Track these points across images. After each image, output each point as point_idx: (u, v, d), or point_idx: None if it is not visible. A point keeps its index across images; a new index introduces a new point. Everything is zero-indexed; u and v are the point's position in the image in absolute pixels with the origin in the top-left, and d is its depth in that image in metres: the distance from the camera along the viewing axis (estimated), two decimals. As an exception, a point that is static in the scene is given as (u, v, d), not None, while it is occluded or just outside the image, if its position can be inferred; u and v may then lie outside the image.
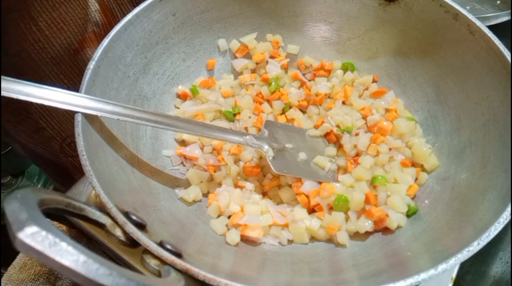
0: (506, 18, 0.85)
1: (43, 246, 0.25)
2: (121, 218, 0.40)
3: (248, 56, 0.74)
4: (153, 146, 0.62)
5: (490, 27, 0.55)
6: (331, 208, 0.58)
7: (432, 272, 0.38)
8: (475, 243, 0.40)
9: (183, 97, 0.69)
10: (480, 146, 0.54)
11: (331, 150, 0.66)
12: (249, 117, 0.69)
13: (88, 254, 0.25)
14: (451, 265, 0.39)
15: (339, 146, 0.66)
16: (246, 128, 0.68)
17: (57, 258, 0.25)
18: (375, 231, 0.56)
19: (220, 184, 0.62)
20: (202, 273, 0.37)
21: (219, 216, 0.58)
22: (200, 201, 0.60)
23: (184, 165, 0.64)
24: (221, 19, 0.70)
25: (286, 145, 0.64)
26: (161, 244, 0.40)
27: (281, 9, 0.72)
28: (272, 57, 0.74)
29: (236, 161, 0.65)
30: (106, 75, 0.55)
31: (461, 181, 0.54)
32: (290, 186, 0.61)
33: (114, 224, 0.41)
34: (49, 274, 0.47)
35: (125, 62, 0.59)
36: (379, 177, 0.57)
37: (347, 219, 0.56)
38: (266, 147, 0.61)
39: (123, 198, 0.46)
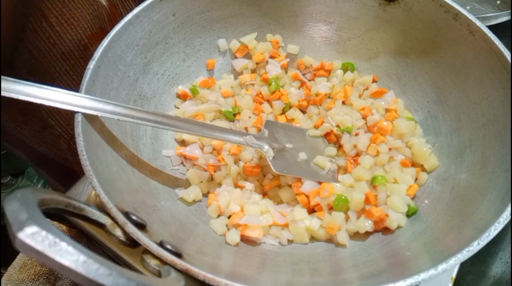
0: (506, 18, 0.85)
1: (43, 246, 0.25)
2: (121, 218, 0.40)
3: (248, 56, 0.74)
4: (153, 146, 0.62)
5: (490, 27, 0.55)
6: (331, 208, 0.58)
7: (432, 272, 0.38)
8: (475, 243, 0.40)
9: (183, 97, 0.69)
10: (480, 146, 0.54)
11: (331, 150, 0.66)
12: (249, 117, 0.69)
13: (88, 254, 0.25)
14: (451, 265, 0.39)
15: (339, 146, 0.66)
16: (246, 128, 0.68)
17: (57, 258, 0.25)
18: (375, 231, 0.56)
19: (220, 184, 0.62)
20: (202, 273, 0.37)
21: (219, 216, 0.58)
22: (200, 201, 0.60)
23: (184, 165, 0.64)
24: (221, 19, 0.70)
25: (286, 145, 0.64)
26: (161, 244, 0.40)
27: (281, 9, 0.72)
28: (272, 57, 0.74)
29: (236, 161, 0.65)
30: (106, 75, 0.55)
31: (461, 181, 0.54)
32: (290, 186, 0.61)
33: (114, 224, 0.41)
34: (49, 274, 0.47)
35: (125, 62, 0.59)
36: (379, 177, 0.57)
37: (347, 219, 0.56)
38: (266, 147, 0.61)
39: (123, 198, 0.46)
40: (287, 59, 0.74)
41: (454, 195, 0.53)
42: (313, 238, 0.57)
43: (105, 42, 0.55)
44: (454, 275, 0.53)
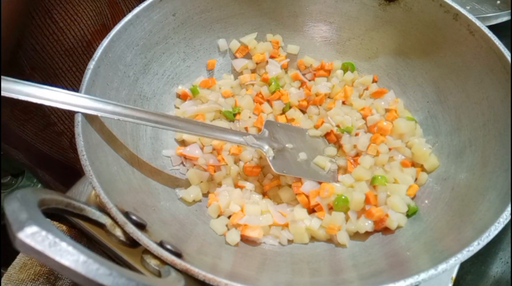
0: (506, 18, 0.85)
1: (43, 246, 0.25)
2: (121, 218, 0.40)
3: (248, 56, 0.74)
4: (153, 146, 0.62)
5: (490, 27, 0.55)
6: (331, 208, 0.58)
7: (432, 272, 0.38)
8: (475, 243, 0.40)
9: (183, 97, 0.69)
10: (480, 146, 0.54)
11: (331, 150, 0.66)
12: (249, 117, 0.69)
13: (88, 254, 0.25)
14: (451, 265, 0.39)
15: (339, 146, 0.66)
16: (246, 128, 0.68)
17: (57, 258, 0.25)
18: (375, 231, 0.56)
19: (220, 184, 0.62)
20: (202, 273, 0.37)
21: (219, 216, 0.58)
22: (200, 201, 0.60)
23: (184, 165, 0.64)
24: (221, 19, 0.70)
25: (286, 145, 0.64)
26: (161, 244, 0.40)
27: (281, 9, 0.72)
28: (272, 57, 0.74)
29: (236, 161, 0.65)
30: (106, 75, 0.55)
31: (461, 181, 0.54)
32: (290, 186, 0.61)
33: (114, 224, 0.41)
34: (49, 274, 0.47)
35: (125, 62, 0.59)
36: (379, 177, 0.57)
37: (347, 219, 0.56)
38: (266, 147, 0.61)
39: (123, 198, 0.46)
40: (287, 59, 0.74)
41: (454, 195, 0.53)
42: (313, 238, 0.57)
43: (105, 42, 0.55)
44: (454, 275, 0.53)
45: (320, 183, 0.60)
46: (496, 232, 0.41)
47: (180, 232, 0.51)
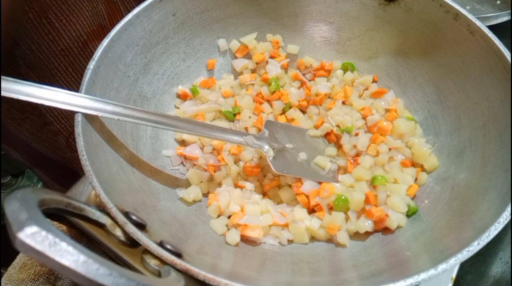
0: (506, 18, 0.85)
1: (43, 246, 0.25)
2: (121, 218, 0.40)
3: (248, 56, 0.74)
4: (153, 146, 0.62)
5: (490, 27, 0.55)
6: (331, 208, 0.58)
7: (432, 272, 0.38)
8: (475, 243, 0.40)
9: (183, 97, 0.69)
10: (480, 146, 0.54)
11: (331, 150, 0.66)
12: (249, 117, 0.69)
13: (88, 254, 0.25)
14: (451, 265, 0.39)
15: (339, 146, 0.66)
16: (246, 128, 0.68)
17: (57, 258, 0.25)
18: (375, 231, 0.56)
19: (220, 184, 0.62)
20: (202, 273, 0.37)
21: (219, 216, 0.58)
22: (200, 201, 0.60)
23: (184, 165, 0.64)
24: (221, 19, 0.70)
25: (287, 145, 0.64)
26: (161, 244, 0.40)
27: (281, 9, 0.72)
28: (272, 57, 0.74)
29: (236, 161, 0.65)
30: (106, 75, 0.55)
31: (461, 181, 0.54)
32: (290, 186, 0.61)
33: (114, 224, 0.41)
34: (49, 274, 0.47)
35: (125, 62, 0.59)
36: (379, 177, 0.57)
37: (347, 219, 0.56)
38: (266, 147, 0.61)
39: (123, 198, 0.46)
40: (287, 59, 0.74)
41: (454, 195, 0.53)
42: (313, 238, 0.57)
43: (105, 42, 0.55)
44: (454, 275, 0.53)
45: (320, 183, 0.60)
46: (496, 232, 0.41)
47: (180, 232, 0.51)
